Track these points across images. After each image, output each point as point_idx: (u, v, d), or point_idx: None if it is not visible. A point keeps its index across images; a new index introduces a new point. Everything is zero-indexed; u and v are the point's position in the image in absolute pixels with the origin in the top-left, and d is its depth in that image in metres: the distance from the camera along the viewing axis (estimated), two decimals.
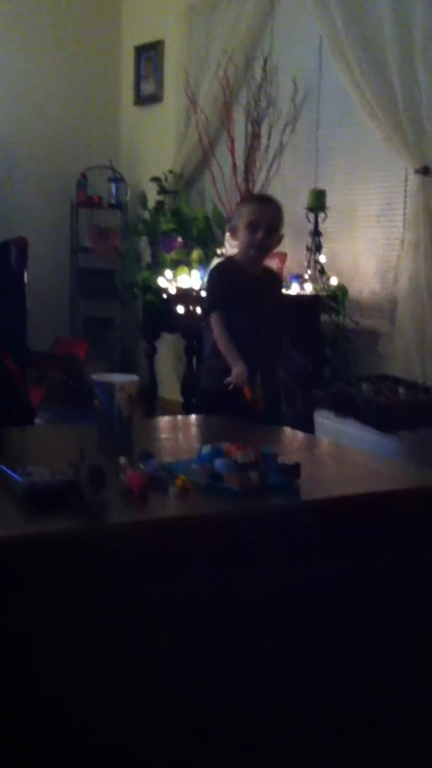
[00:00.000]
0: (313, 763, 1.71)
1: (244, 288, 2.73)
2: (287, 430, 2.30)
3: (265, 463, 1.68)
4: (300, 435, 2.29)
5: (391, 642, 1.74)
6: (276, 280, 3.10)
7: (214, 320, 2.70)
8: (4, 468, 1.56)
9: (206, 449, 1.74)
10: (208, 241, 4.71)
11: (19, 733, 1.40)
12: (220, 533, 1.55)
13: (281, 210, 2.77)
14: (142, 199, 5.26)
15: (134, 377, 2.12)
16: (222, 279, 2.80)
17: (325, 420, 3.72)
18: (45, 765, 1.43)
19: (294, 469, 1.67)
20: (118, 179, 5.91)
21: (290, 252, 4.37)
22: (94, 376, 2.08)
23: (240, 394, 2.48)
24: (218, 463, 1.65)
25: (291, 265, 4.34)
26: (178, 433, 2.44)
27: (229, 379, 2.52)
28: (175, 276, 4.53)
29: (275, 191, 4.45)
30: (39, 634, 1.39)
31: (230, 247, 4.30)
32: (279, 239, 2.80)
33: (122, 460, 1.69)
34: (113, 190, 5.91)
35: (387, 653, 1.74)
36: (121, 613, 1.45)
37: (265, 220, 2.69)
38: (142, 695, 1.49)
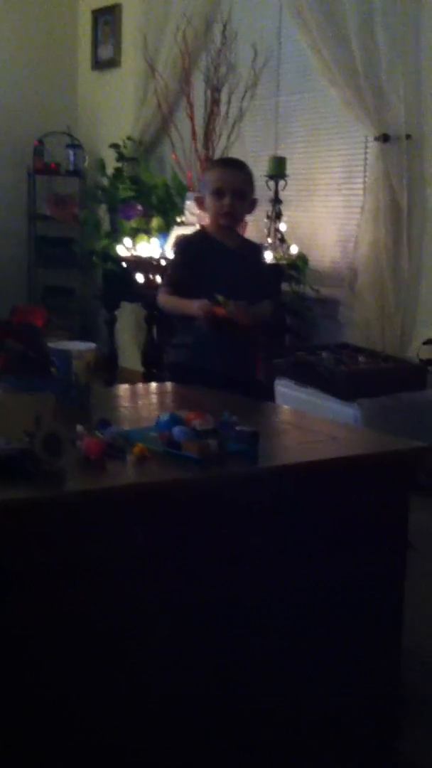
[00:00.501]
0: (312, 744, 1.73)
1: (218, 261, 2.56)
2: (247, 399, 2.30)
3: (224, 430, 1.67)
4: (260, 403, 2.28)
5: (352, 609, 1.76)
6: (256, 251, 2.89)
7: (160, 298, 2.59)
8: None
9: (164, 417, 1.73)
10: (168, 209, 4.66)
11: None
12: (178, 501, 1.54)
13: (250, 174, 2.61)
14: (101, 166, 5.19)
15: (92, 345, 2.10)
16: (183, 254, 2.66)
17: (285, 388, 3.72)
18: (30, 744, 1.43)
19: (253, 436, 1.66)
20: (76, 145, 5.82)
21: (250, 220, 4.34)
22: (52, 344, 2.06)
23: (225, 331, 2.39)
24: (176, 430, 1.64)
25: (251, 234, 4.30)
26: (137, 401, 2.42)
27: (199, 312, 2.40)
28: (134, 244, 4.49)
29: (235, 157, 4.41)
30: None
31: (191, 215, 4.27)
32: (251, 205, 2.64)
33: (79, 427, 1.67)
34: (71, 157, 5.81)
35: (348, 620, 1.75)
36: (77, 581, 1.44)
37: (232, 186, 2.53)
38: (105, 665, 1.49)
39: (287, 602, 1.68)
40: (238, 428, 1.69)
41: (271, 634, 1.66)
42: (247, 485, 1.62)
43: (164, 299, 2.59)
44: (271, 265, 3.86)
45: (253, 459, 1.64)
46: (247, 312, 2.41)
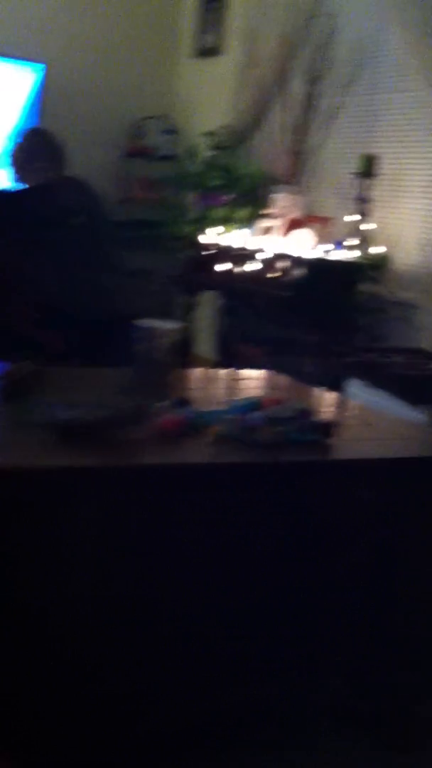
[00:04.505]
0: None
1: None
2: (325, 391, 2.33)
3: (298, 419, 1.71)
4: (335, 396, 2.31)
5: (409, 607, 1.78)
6: None
7: None
8: (45, 402, 1.61)
9: (241, 401, 1.77)
10: (256, 200, 4.69)
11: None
12: (247, 483, 1.59)
13: None
14: (194, 153, 5.24)
15: (176, 324, 2.15)
16: None
17: (353, 388, 3.73)
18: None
19: (327, 428, 1.70)
20: (171, 131, 5.89)
21: (335, 217, 4.35)
22: (138, 321, 2.10)
23: None
24: (252, 415, 1.69)
25: (336, 231, 4.31)
26: (210, 384, 2.47)
27: None
28: (219, 233, 4.53)
29: (326, 154, 4.42)
30: (60, 558, 1.44)
31: (277, 207, 4.29)
32: None
33: (158, 404, 1.72)
34: (165, 142, 5.89)
35: (402, 614, 1.78)
36: (143, 548, 1.49)
37: None
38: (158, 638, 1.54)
39: (341, 596, 1.71)
40: (312, 418, 1.72)
41: (326, 623, 1.69)
42: (316, 475, 1.65)
43: None
44: None
45: (326, 450, 1.67)
46: None
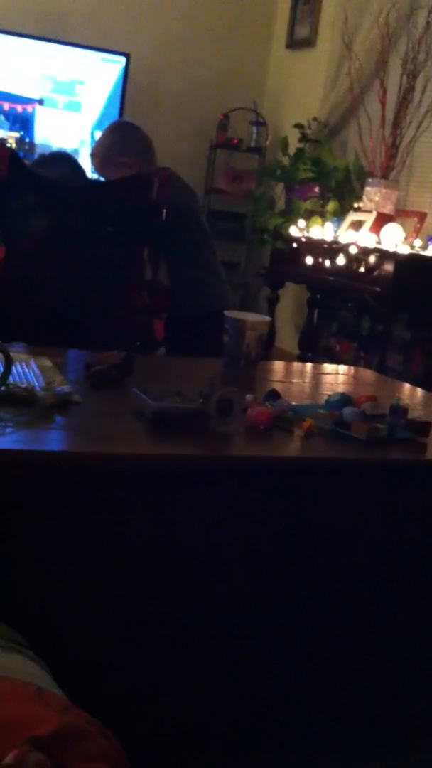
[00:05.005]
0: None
1: None
2: (417, 389, 2.26)
3: (395, 416, 1.65)
4: (429, 394, 2.23)
5: None
6: None
7: None
8: (136, 391, 1.59)
9: (335, 396, 1.72)
10: (346, 194, 4.62)
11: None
12: (340, 480, 1.54)
13: None
14: (283, 145, 5.19)
15: (266, 318, 2.12)
16: None
17: None
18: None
19: (424, 427, 1.64)
20: (260, 123, 5.84)
21: (430, 212, 4.25)
22: (227, 313, 2.08)
23: None
24: (347, 411, 1.64)
25: (429, 227, 4.21)
26: (300, 378, 2.42)
27: None
28: (307, 226, 4.48)
29: (422, 148, 4.31)
30: (148, 546, 1.42)
31: (369, 201, 4.21)
32: None
33: (249, 396, 1.69)
34: (254, 134, 5.84)
35: None
36: (224, 540, 1.46)
37: None
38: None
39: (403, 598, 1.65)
40: (409, 416, 1.66)
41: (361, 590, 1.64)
42: (411, 474, 1.59)
43: None
44: None
45: (422, 449, 1.61)
46: None
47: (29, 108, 5.37)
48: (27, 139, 5.38)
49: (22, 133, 5.37)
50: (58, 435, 1.40)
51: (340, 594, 1.59)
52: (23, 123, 5.38)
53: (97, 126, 5.38)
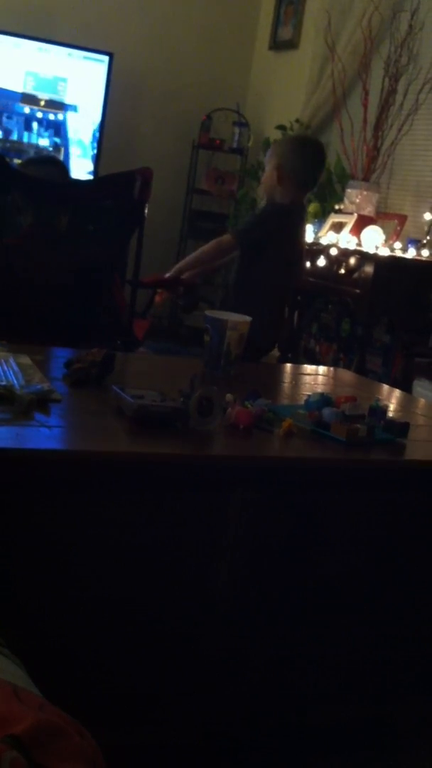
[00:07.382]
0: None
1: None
2: (395, 390, 2.27)
3: (374, 417, 1.66)
4: (407, 396, 2.25)
5: None
6: None
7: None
8: (116, 389, 1.58)
9: (315, 397, 1.73)
10: (327, 195, 4.63)
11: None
12: (319, 480, 1.55)
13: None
14: (266, 146, 5.19)
15: (247, 318, 2.11)
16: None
17: (421, 388, 3.65)
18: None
19: (403, 428, 1.64)
20: (242, 124, 5.85)
21: (410, 215, 4.27)
22: (208, 312, 2.08)
23: None
24: (326, 411, 1.64)
25: (409, 229, 4.23)
26: (280, 379, 2.43)
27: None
28: None
29: (403, 151, 4.33)
30: (127, 544, 1.42)
31: (350, 203, 4.22)
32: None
33: (229, 396, 1.69)
34: (236, 134, 5.85)
35: None
36: (205, 539, 1.46)
37: None
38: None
39: (396, 597, 1.66)
40: (388, 417, 1.67)
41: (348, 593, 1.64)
42: (391, 474, 1.60)
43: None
44: None
45: (401, 449, 1.62)
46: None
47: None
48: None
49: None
50: (38, 433, 1.40)
51: (330, 593, 1.59)
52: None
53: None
